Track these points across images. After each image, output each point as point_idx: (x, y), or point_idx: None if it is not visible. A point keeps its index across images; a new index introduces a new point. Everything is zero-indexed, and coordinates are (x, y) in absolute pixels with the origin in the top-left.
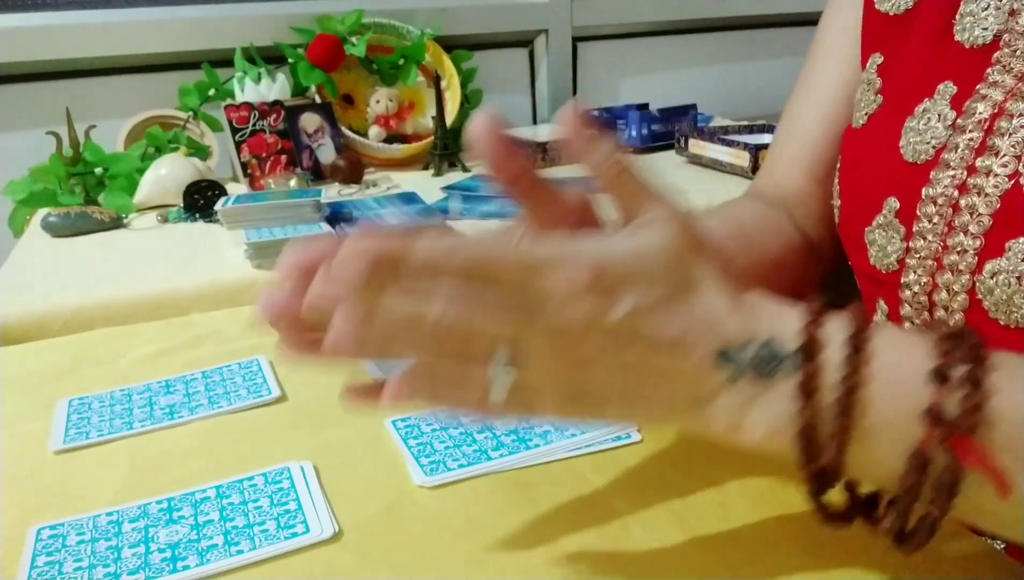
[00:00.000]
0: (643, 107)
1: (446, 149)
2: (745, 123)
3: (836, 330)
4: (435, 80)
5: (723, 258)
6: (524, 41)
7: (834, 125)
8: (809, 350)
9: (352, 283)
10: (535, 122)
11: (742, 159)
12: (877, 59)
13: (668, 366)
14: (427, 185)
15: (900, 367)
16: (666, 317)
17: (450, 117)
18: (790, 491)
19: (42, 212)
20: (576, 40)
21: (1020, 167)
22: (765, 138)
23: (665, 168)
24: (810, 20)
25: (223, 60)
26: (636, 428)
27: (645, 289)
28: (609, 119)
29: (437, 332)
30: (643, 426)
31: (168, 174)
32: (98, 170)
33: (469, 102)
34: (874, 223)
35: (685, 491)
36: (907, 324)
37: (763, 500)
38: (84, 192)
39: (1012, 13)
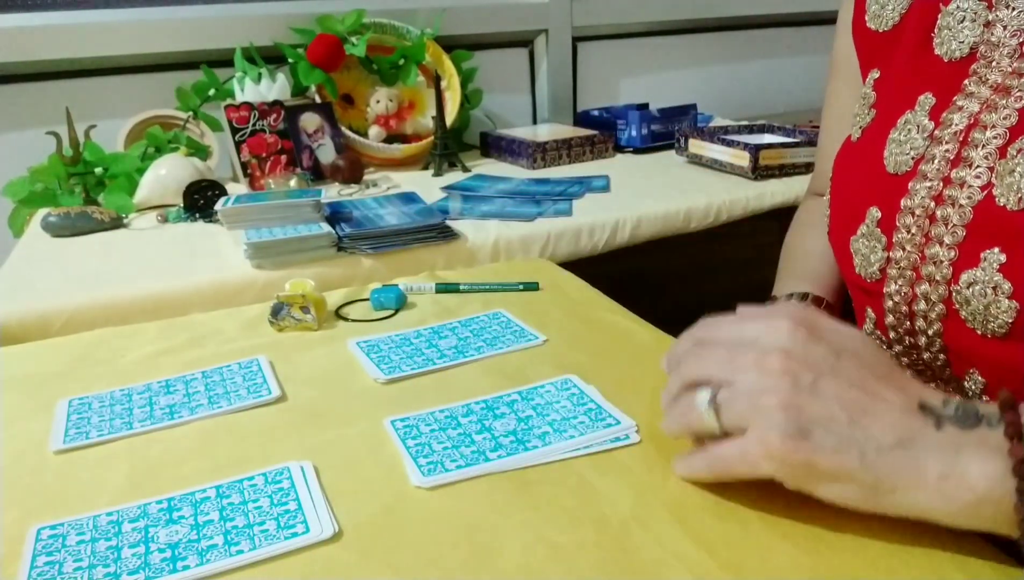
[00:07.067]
0: (643, 107)
1: (446, 149)
2: (745, 123)
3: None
4: (435, 80)
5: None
6: (524, 41)
7: None
8: (1010, 403)
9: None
10: (535, 122)
11: (742, 159)
12: (875, 74)
13: (876, 399)
14: (427, 185)
15: None
16: (868, 366)
17: (450, 117)
18: (790, 492)
19: (42, 212)
20: (576, 40)
21: (993, 178)
22: (765, 138)
23: (665, 168)
24: (810, 20)
25: (223, 60)
26: (635, 429)
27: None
28: (609, 119)
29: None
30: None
31: (168, 174)
32: (98, 170)
33: (469, 102)
34: (858, 232)
35: (685, 491)
36: (891, 333)
37: (763, 500)
38: (84, 192)
39: (987, 25)
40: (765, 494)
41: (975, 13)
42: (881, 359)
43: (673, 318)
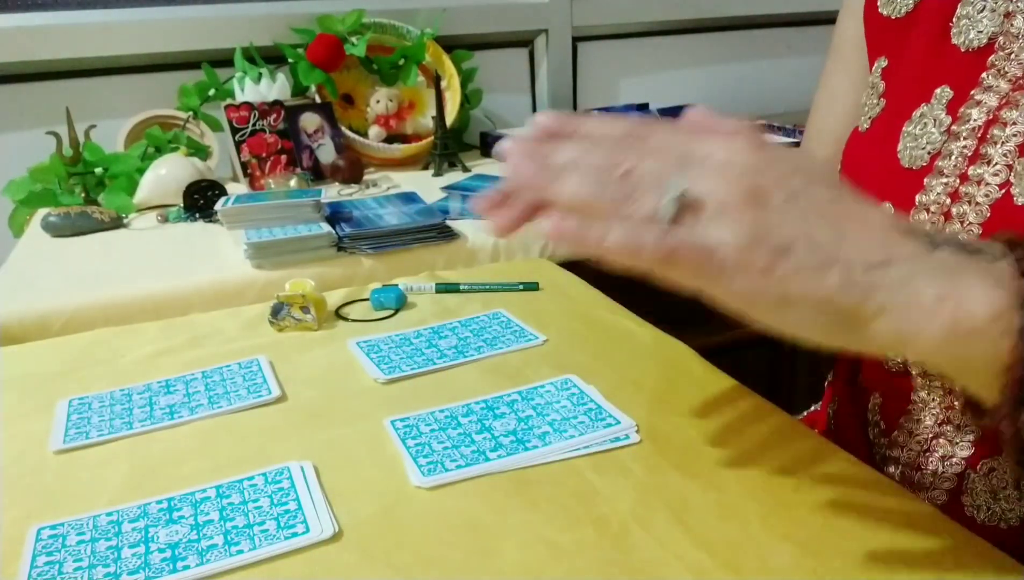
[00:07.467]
0: (643, 107)
1: (446, 149)
2: None
3: None
4: (435, 80)
5: None
6: (524, 41)
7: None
8: (1015, 240)
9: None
10: None
11: None
12: (882, 63)
13: (857, 213)
14: (427, 185)
15: None
16: (844, 188)
17: (450, 117)
18: (790, 491)
19: (42, 212)
20: (576, 40)
21: (1011, 177)
22: None
23: None
24: (810, 20)
25: (223, 60)
26: (635, 429)
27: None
28: None
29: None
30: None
31: (168, 174)
32: (98, 170)
33: (469, 102)
34: None
35: (685, 491)
36: None
37: (763, 500)
38: (84, 192)
39: (1007, 15)
40: (765, 494)
41: (995, 2)
42: (854, 189)
43: (673, 318)
